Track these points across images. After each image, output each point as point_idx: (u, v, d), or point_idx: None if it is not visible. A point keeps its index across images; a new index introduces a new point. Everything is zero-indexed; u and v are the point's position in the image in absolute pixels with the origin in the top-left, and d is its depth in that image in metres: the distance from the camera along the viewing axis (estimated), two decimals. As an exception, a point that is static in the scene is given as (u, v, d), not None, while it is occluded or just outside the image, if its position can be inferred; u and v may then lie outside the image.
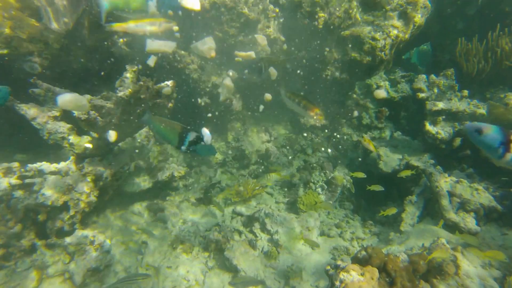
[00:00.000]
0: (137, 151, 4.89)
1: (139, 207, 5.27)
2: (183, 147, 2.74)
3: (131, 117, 4.14)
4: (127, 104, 3.90)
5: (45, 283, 4.22)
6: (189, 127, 2.74)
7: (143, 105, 4.07)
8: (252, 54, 4.55)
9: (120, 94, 3.85)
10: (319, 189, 5.68)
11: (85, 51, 4.71)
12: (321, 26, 4.87)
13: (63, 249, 4.37)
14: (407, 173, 5.08)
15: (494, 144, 1.60)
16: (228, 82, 4.98)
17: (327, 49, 5.24)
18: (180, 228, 5.07)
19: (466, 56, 5.64)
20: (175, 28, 3.85)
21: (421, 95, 5.52)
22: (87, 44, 4.63)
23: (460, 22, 6.27)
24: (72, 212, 4.39)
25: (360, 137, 6.11)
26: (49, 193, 4.24)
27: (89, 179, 4.46)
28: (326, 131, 6.38)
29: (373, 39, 5.27)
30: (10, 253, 4.18)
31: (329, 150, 6.15)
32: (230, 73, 4.80)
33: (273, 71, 4.54)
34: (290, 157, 6.21)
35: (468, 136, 1.66)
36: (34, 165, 4.39)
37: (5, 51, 4.19)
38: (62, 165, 4.47)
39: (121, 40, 4.94)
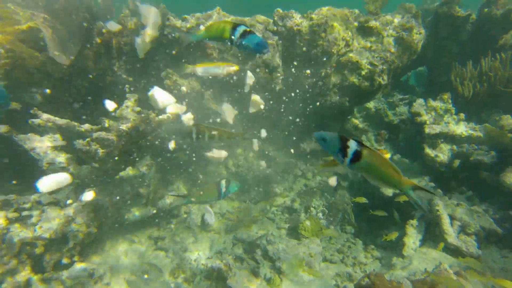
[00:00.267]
0: (138, 179, 4.84)
1: (139, 235, 5.19)
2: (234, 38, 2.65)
3: (133, 149, 4.12)
4: (129, 136, 3.87)
5: (41, 320, 4.08)
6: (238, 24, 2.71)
7: (147, 137, 4.06)
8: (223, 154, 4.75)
9: (122, 126, 3.82)
10: (320, 214, 5.66)
11: (88, 80, 4.70)
12: (319, 54, 4.93)
13: (60, 283, 4.25)
14: (405, 198, 5.10)
15: (335, 150, 1.70)
16: (226, 107, 5.03)
17: (326, 74, 5.29)
18: (182, 257, 4.99)
19: (461, 80, 5.76)
20: (236, 68, 3.95)
21: (419, 119, 5.60)
22: (89, 73, 4.62)
23: (454, 46, 6.42)
24: (71, 244, 4.28)
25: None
26: (48, 226, 4.14)
27: (89, 209, 4.38)
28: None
29: (371, 64, 5.35)
30: (4, 290, 4.06)
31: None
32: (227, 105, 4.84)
33: (258, 101, 4.59)
34: (290, 182, 6.20)
35: (317, 143, 1.81)
36: (32, 196, 4.31)
37: (4, 82, 4.16)
38: (61, 195, 4.39)
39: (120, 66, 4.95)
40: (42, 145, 4.27)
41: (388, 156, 1.71)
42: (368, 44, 5.47)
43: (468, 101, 5.80)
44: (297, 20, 5.01)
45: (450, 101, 5.65)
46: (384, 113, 6.56)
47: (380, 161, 1.71)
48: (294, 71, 5.25)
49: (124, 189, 4.70)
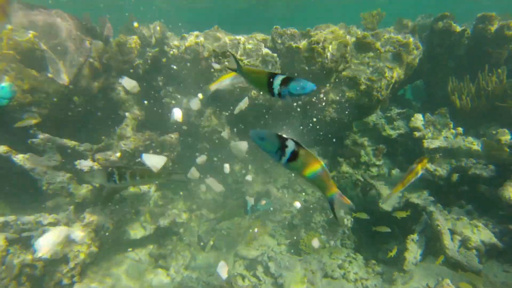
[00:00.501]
0: (138, 197, 4.82)
1: (140, 253, 5.15)
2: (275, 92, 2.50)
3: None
4: (132, 156, 3.87)
5: None
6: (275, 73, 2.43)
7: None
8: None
9: (125, 147, 3.82)
10: (320, 229, 5.65)
11: (86, 99, 4.70)
12: (318, 71, 4.97)
13: (61, 305, 4.20)
14: (402, 214, 5.13)
15: (273, 150, 1.72)
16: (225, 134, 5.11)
17: (324, 91, 5.33)
18: (183, 275, 4.95)
19: (459, 94, 5.82)
20: None
21: (418, 133, 5.64)
22: (88, 93, 4.63)
23: (450, 60, 6.49)
24: (72, 265, 4.24)
25: (359, 175, 6.15)
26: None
27: (90, 229, 4.35)
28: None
29: (369, 80, 5.39)
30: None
31: None
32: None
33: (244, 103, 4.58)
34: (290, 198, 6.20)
35: (254, 142, 1.81)
36: (32, 216, 4.27)
37: (5, 102, 4.14)
38: (62, 215, 4.36)
39: (120, 87, 4.95)
40: (42, 164, 4.26)
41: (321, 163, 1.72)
42: (366, 60, 5.53)
43: (466, 115, 5.85)
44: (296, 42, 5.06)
45: (448, 116, 5.70)
46: (382, 127, 6.61)
47: (314, 162, 1.73)
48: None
49: (125, 208, 4.67)
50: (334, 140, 5.93)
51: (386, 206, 5.61)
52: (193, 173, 4.56)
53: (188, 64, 4.95)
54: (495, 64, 5.93)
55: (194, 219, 5.63)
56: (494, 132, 5.57)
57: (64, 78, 4.20)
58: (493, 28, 6.05)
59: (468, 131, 5.88)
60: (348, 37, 5.43)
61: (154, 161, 3.85)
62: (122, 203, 4.63)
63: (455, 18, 6.33)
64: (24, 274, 4.11)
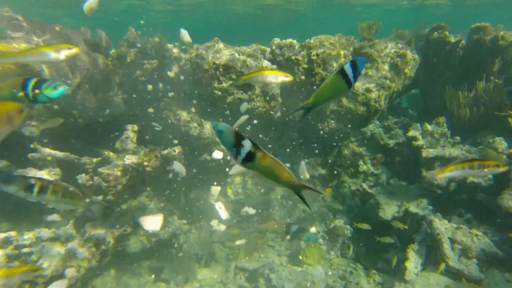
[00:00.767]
0: (139, 210, 4.78)
1: (140, 267, 5.10)
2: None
3: (135, 182, 4.09)
4: (135, 171, 3.85)
5: None
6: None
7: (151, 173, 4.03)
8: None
9: (128, 162, 3.80)
10: (320, 240, 5.65)
11: (86, 112, 4.68)
12: (318, 82, 5.01)
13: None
14: (399, 225, 5.17)
15: (229, 145, 1.73)
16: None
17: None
18: (183, 288, 4.92)
19: (457, 103, 5.89)
20: (290, 78, 3.89)
21: (416, 143, 5.70)
22: (88, 105, 4.61)
23: (446, 70, 6.58)
24: (72, 280, 4.20)
25: (358, 185, 6.19)
26: (48, 263, 4.06)
27: (90, 244, 4.31)
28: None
29: (367, 90, 5.44)
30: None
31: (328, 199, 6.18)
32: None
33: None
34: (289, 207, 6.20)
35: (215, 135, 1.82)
36: (32, 232, 4.22)
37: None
38: (62, 230, 4.31)
39: (119, 98, 4.95)
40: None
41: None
42: (364, 70, 5.58)
43: (463, 123, 5.91)
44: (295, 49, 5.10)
45: (445, 125, 5.77)
46: (380, 136, 6.66)
47: (273, 164, 1.73)
48: (292, 99, 5.32)
49: (125, 221, 4.64)
50: (332, 150, 5.96)
51: (386, 216, 5.63)
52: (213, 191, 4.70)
53: (188, 76, 4.97)
54: (491, 73, 6.03)
55: (194, 231, 5.60)
56: (490, 140, 5.64)
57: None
58: (488, 38, 6.15)
59: (465, 140, 5.95)
60: (346, 48, 5.48)
61: (151, 223, 3.86)
62: (123, 216, 4.59)
63: (450, 29, 6.44)
64: (24, 291, 4.05)
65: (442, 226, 5.09)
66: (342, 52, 5.24)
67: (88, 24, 5.67)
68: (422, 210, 5.46)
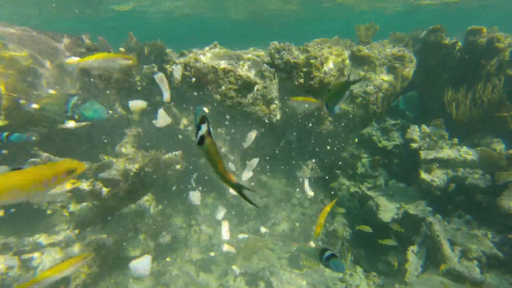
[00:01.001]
0: (139, 214, 4.78)
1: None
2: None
3: (136, 187, 4.08)
4: (137, 176, 3.85)
5: None
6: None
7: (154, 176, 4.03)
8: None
9: (129, 167, 3.80)
10: (320, 242, 5.65)
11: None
12: (317, 85, 5.03)
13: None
14: (397, 227, 5.18)
15: (195, 126, 1.77)
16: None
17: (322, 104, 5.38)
18: (184, 293, 4.91)
19: (456, 104, 5.91)
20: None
21: (414, 145, 5.71)
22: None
23: (443, 72, 6.62)
24: (73, 286, 4.18)
25: (357, 187, 6.20)
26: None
27: (91, 248, 4.30)
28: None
29: (365, 93, 5.47)
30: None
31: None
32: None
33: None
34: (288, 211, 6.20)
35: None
36: (31, 238, 4.21)
37: (6, 122, 4.12)
38: (62, 236, 4.30)
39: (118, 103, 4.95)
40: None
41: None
42: (362, 73, 5.61)
43: (461, 125, 5.94)
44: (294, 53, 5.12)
45: (443, 127, 5.79)
46: (378, 139, 6.68)
47: (215, 154, 1.76)
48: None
49: (125, 225, 4.63)
50: (330, 152, 5.97)
51: (385, 218, 5.64)
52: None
53: (187, 80, 4.98)
54: (488, 75, 6.07)
55: (193, 235, 5.59)
56: (488, 141, 5.67)
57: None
58: (484, 40, 6.19)
59: (463, 141, 5.97)
60: (344, 51, 5.51)
61: (141, 267, 3.84)
62: (123, 221, 4.59)
63: (446, 31, 6.47)
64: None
65: (441, 227, 5.10)
66: (340, 55, 5.27)
67: (84, 26, 5.66)
68: (421, 211, 5.47)
